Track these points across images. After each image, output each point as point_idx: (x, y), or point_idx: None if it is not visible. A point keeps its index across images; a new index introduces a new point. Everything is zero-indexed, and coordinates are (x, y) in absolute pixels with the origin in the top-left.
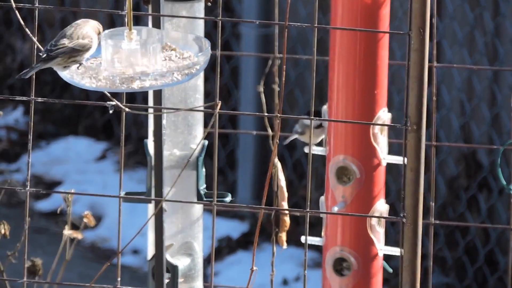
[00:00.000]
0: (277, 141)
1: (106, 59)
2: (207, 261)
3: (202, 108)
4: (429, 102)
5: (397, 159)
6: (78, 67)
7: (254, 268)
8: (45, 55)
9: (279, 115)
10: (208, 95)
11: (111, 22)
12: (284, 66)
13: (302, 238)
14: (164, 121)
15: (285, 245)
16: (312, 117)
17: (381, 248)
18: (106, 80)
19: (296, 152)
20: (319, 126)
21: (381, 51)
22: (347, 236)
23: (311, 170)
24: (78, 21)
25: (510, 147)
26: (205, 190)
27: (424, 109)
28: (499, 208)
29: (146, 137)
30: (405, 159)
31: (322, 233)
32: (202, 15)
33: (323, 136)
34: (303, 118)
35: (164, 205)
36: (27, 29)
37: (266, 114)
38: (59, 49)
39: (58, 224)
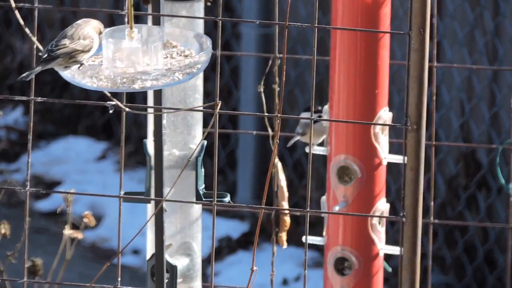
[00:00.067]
0: (277, 141)
1: (107, 57)
2: (207, 261)
3: (202, 108)
4: (429, 102)
5: (397, 159)
6: (79, 67)
7: (254, 268)
8: (46, 56)
9: (279, 115)
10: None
11: (111, 22)
12: (284, 66)
13: (304, 238)
14: (164, 121)
15: (285, 245)
16: (312, 117)
17: (382, 247)
18: (107, 79)
19: (296, 152)
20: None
21: (382, 51)
22: (348, 236)
23: (312, 170)
24: (79, 21)
25: (509, 146)
26: (204, 190)
27: (424, 108)
28: (498, 207)
29: (146, 137)
30: (405, 158)
31: (324, 233)
32: (202, 14)
33: (324, 137)
34: (303, 118)
35: (164, 205)
36: (26, 29)
37: (266, 114)
38: (60, 50)
39: (58, 224)
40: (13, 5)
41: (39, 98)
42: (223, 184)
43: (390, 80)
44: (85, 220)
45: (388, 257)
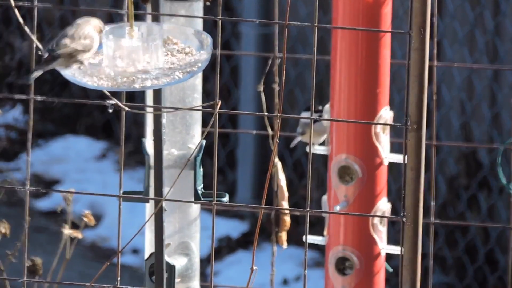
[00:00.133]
0: (277, 140)
1: (107, 55)
2: (207, 261)
3: (202, 108)
4: (430, 101)
5: (398, 158)
6: (79, 67)
7: (254, 267)
8: (47, 55)
9: (279, 114)
10: (208, 95)
11: (110, 21)
12: (284, 66)
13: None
14: (164, 121)
15: (285, 245)
16: (312, 117)
17: (383, 247)
18: (108, 78)
19: (296, 151)
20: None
21: (383, 50)
22: (350, 235)
23: (312, 169)
24: (80, 21)
25: (510, 146)
26: (202, 190)
27: (424, 108)
28: (499, 207)
29: (145, 137)
30: (406, 158)
31: (325, 232)
32: (201, 14)
33: (325, 136)
34: (303, 118)
35: (164, 204)
36: (26, 28)
37: (266, 113)
38: (61, 49)
39: (58, 223)
40: (13, 3)
41: (39, 97)
42: (222, 184)
43: (390, 80)
44: (85, 219)
45: (389, 257)
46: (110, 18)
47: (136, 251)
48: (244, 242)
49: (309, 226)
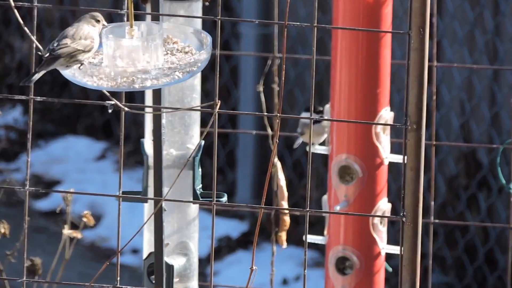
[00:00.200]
0: (277, 140)
1: (107, 55)
2: (206, 261)
3: (201, 108)
4: (429, 101)
5: (397, 158)
6: (80, 67)
7: (254, 267)
8: (47, 56)
9: (278, 114)
10: (208, 95)
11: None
12: (284, 66)
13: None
14: (163, 121)
15: (285, 245)
16: (312, 117)
17: (384, 247)
18: (108, 78)
19: (296, 151)
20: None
21: (383, 50)
22: (350, 235)
23: (311, 169)
24: (79, 23)
25: (510, 146)
26: (201, 190)
27: (424, 108)
28: (498, 207)
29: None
30: (405, 158)
31: (325, 232)
32: (200, 14)
33: (325, 136)
34: (303, 118)
35: (163, 204)
36: (26, 28)
37: (265, 113)
38: (61, 49)
39: (58, 224)
40: (12, 4)
41: (39, 97)
42: (222, 184)
43: (390, 80)
44: (84, 219)
45: (388, 257)
46: (110, 19)
47: (135, 251)
48: (244, 242)
49: (308, 226)
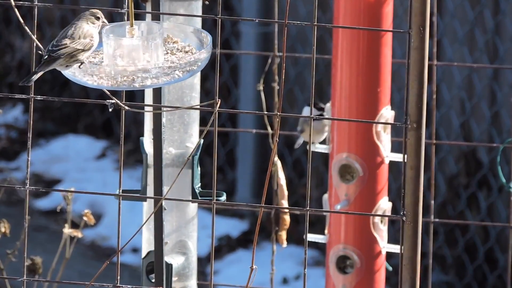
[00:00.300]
0: (277, 139)
1: (107, 54)
2: (207, 260)
3: (201, 107)
4: (429, 100)
5: (398, 157)
6: (79, 66)
7: (254, 266)
8: (47, 56)
9: (278, 113)
10: (208, 93)
11: (110, 20)
12: (284, 65)
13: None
14: (163, 120)
15: (285, 244)
16: (312, 116)
17: (384, 246)
18: (108, 77)
19: (296, 150)
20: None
21: (384, 49)
22: (350, 234)
23: (311, 168)
24: (78, 21)
25: (510, 145)
26: (200, 189)
27: (424, 107)
28: (498, 206)
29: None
30: (405, 157)
31: (325, 231)
32: (200, 13)
33: (325, 135)
34: (303, 117)
35: (164, 203)
36: (26, 27)
37: (265, 112)
38: (61, 50)
39: (58, 222)
40: (13, 3)
41: (39, 96)
42: (222, 183)
43: (391, 79)
44: (85, 218)
45: (388, 256)
46: (111, 18)
47: (135, 250)
48: (244, 241)
49: (309, 225)
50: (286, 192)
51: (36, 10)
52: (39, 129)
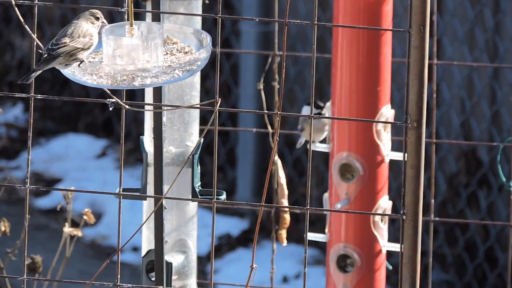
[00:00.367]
0: (277, 138)
1: (107, 54)
2: (207, 259)
3: (201, 106)
4: (429, 99)
5: (398, 156)
6: (79, 65)
7: (254, 265)
8: (46, 55)
9: (279, 112)
10: (208, 92)
11: (110, 19)
12: (284, 64)
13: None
14: (164, 119)
15: (285, 243)
16: (312, 115)
17: (385, 244)
18: (108, 76)
19: (296, 149)
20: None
21: (384, 48)
22: (351, 233)
23: (312, 167)
24: (77, 20)
25: (510, 144)
26: (199, 187)
27: (424, 106)
28: (499, 205)
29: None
30: (406, 156)
31: (326, 230)
32: (200, 12)
33: (326, 133)
34: (303, 116)
35: (164, 202)
36: (26, 26)
37: (266, 111)
38: (60, 48)
39: (58, 221)
40: (13, 2)
41: (39, 95)
42: (222, 182)
43: (391, 78)
44: (85, 217)
45: (388, 255)
46: (111, 17)
47: (136, 249)
48: (244, 239)
49: (309, 224)
50: (286, 191)
51: (36, 9)
52: (40, 128)
